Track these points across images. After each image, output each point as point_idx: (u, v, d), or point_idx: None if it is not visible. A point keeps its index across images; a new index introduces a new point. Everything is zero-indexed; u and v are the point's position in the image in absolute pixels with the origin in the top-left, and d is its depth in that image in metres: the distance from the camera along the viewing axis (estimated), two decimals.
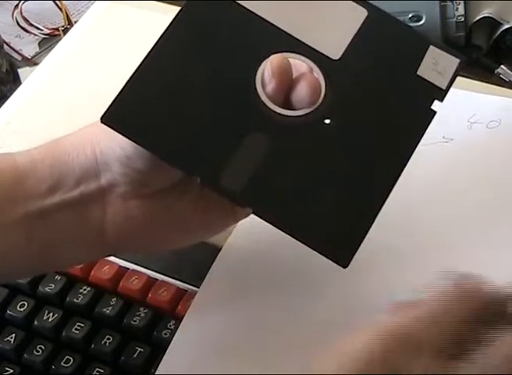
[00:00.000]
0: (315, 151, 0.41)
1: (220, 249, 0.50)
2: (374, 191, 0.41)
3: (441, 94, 0.42)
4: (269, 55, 0.42)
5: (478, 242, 0.50)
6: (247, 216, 0.44)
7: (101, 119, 0.39)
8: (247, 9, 0.42)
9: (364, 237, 0.40)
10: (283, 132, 0.41)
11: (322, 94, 0.42)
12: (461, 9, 0.65)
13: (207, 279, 0.49)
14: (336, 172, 0.41)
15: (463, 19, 0.66)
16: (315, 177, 0.41)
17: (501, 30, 0.66)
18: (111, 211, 0.42)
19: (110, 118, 0.39)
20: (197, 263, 0.50)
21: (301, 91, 0.41)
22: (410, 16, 0.66)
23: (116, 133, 0.40)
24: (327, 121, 0.41)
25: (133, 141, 0.40)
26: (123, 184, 0.42)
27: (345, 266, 0.39)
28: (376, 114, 0.42)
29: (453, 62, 0.43)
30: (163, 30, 0.41)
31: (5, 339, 0.48)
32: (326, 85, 0.42)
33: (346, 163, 0.41)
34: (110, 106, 0.39)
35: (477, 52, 0.67)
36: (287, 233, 0.39)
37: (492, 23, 0.66)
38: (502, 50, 0.68)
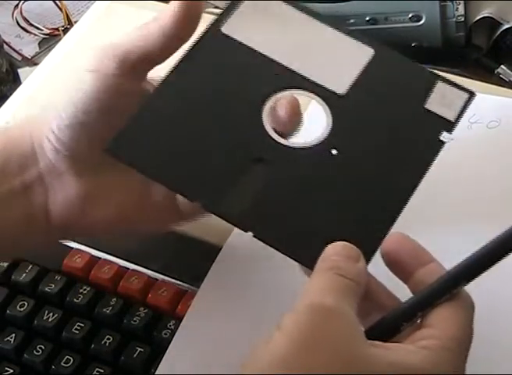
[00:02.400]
0: (320, 180, 0.41)
1: (220, 249, 0.50)
2: (379, 221, 0.40)
3: (449, 126, 0.42)
4: (275, 92, 0.42)
5: (477, 242, 0.50)
6: (191, 220, 0.45)
7: (105, 149, 0.40)
8: (253, 49, 0.43)
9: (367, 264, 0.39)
10: (288, 162, 0.41)
11: (329, 127, 0.42)
12: (461, 9, 0.65)
13: (207, 279, 0.49)
14: (341, 202, 0.41)
15: (463, 19, 0.66)
16: (319, 206, 0.41)
17: (501, 30, 0.66)
18: (51, 192, 0.43)
19: (113, 148, 0.40)
20: (197, 263, 0.50)
21: (280, 109, 0.42)
22: (410, 16, 0.66)
23: (48, 116, 0.42)
24: (334, 152, 0.41)
25: (137, 170, 0.41)
26: (56, 162, 0.43)
27: None
28: (383, 146, 0.42)
29: (462, 96, 0.43)
30: (174, 64, 0.42)
31: (5, 339, 0.48)
32: (333, 119, 0.42)
33: (351, 194, 0.41)
34: (113, 137, 0.40)
35: (477, 52, 0.67)
36: (289, 256, 0.39)
37: (492, 23, 0.66)
38: (502, 50, 0.68)
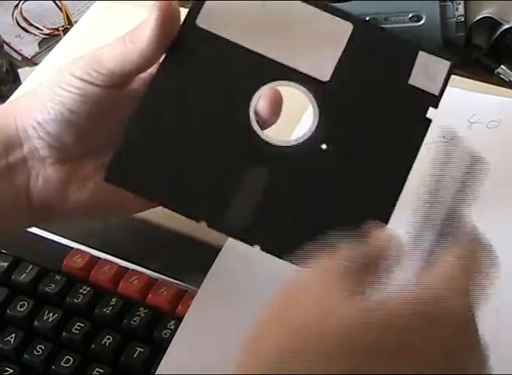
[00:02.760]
0: (315, 178, 0.41)
1: (220, 249, 0.50)
2: (378, 210, 0.40)
3: (435, 101, 0.42)
4: (259, 87, 0.42)
5: None
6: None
7: (104, 178, 0.41)
8: (231, 41, 0.42)
9: None
10: (281, 163, 0.41)
11: (316, 120, 0.42)
12: (461, 9, 0.65)
13: (207, 279, 0.49)
14: (339, 197, 0.41)
15: (463, 19, 0.66)
16: (318, 205, 0.41)
17: (501, 30, 0.66)
18: (33, 175, 0.44)
19: (111, 176, 0.41)
20: (197, 263, 0.50)
21: (261, 102, 0.42)
22: (410, 16, 0.66)
23: (31, 101, 0.43)
24: (324, 146, 0.41)
25: (138, 195, 0.41)
26: (41, 149, 0.44)
27: None
28: (372, 131, 0.42)
29: (444, 65, 0.43)
30: (156, 70, 0.42)
31: (5, 339, 0.48)
32: (319, 110, 0.42)
33: (348, 186, 0.41)
34: (108, 165, 0.41)
35: (477, 52, 0.67)
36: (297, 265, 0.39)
37: (492, 23, 0.66)
38: (502, 50, 0.68)
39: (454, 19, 0.66)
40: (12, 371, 0.48)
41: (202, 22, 0.42)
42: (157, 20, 0.41)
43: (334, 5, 0.44)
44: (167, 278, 0.50)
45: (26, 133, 0.44)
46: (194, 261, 0.50)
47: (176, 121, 0.42)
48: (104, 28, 0.64)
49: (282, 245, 0.40)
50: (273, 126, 0.44)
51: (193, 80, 0.42)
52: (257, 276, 0.49)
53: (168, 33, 0.41)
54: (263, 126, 0.43)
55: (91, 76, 0.42)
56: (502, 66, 0.66)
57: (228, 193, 0.40)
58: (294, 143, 0.41)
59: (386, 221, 0.40)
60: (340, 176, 0.41)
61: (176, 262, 0.51)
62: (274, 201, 0.41)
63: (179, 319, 0.47)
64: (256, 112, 0.42)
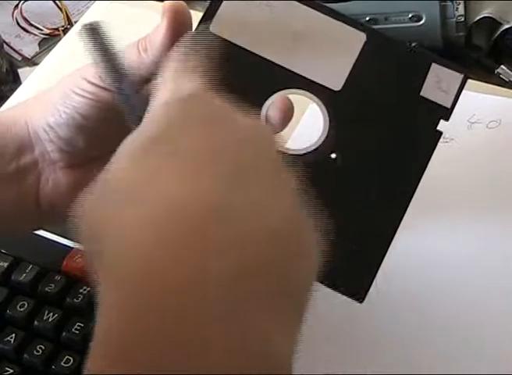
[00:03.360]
0: (324, 188, 0.41)
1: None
2: (386, 222, 0.40)
3: (446, 113, 0.42)
4: (271, 94, 0.42)
5: (477, 241, 0.50)
6: None
7: None
8: (244, 48, 0.42)
9: (377, 271, 0.39)
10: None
11: (327, 129, 0.41)
12: (461, 9, 0.65)
13: None
14: (347, 206, 0.41)
15: (463, 19, 0.66)
16: (326, 213, 0.40)
17: (501, 30, 0.66)
18: (43, 178, 0.44)
19: None
20: None
21: (272, 110, 0.42)
22: (410, 16, 0.66)
23: (43, 104, 0.43)
24: (333, 156, 0.41)
25: None
26: (52, 152, 0.44)
27: (361, 301, 0.39)
28: (382, 142, 0.42)
29: (457, 78, 0.43)
30: None
31: (5, 339, 0.48)
32: (330, 119, 0.42)
33: (355, 197, 0.41)
34: None
35: (477, 52, 0.67)
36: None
37: (492, 23, 0.66)
38: (502, 50, 0.68)
39: (454, 19, 0.66)
40: (12, 371, 0.48)
41: (215, 28, 0.42)
42: (168, 27, 0.40)
43: (335, 5, 0.43)
44: None
45: (38, 136, 0.44)
46: None
47: None
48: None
49: None
50: None
51: None
52: None
53: (180, 38, 0.41)
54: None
55: (104, 82, 0.41)
56: (502, 66, 0.66)
57: None
58: (304, 151, 0.41)
59: (393, 234, 0.40)
60: (349, 186, 0.41)
61: None
62: None
63: None
64: (266, 119, 0.42)
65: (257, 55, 0.42)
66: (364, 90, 0.42)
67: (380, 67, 0.42)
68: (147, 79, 0.42)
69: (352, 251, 0.40)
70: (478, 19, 0.66)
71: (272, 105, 0.42)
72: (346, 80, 0.42)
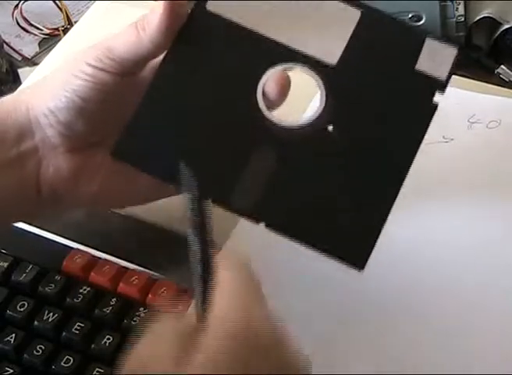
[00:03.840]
0: (321, 158, 0.42)
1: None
2: (383, 192, 0.41)
3: (441, 86, 0.42)
4: (267, 69, 0.42)
5: (477, 241, 0.50)
6: (172, 194, 0.46)
7: (111, 154, 0.42)
8: (240, 25, 0.43)
9: (377, 239, 0.40)
10: (288, 144, 0.41)
11: (323, 103, 0.42)
12: (461, 9, 0.65)
13: None
14: (344, 176, 0.41)
15: (463, 19, 0.66)
16: (323, 184, 0.41)
17: (501, 30, 0.66)
18: (44, 164, 0.45)
19: (118, 153, 0.42)
20: None
21: (269, 84, 0.42)
22: (410, 16, 0.66)
23: (43, 89, 0.44)
24: (330, 128, 0.42)
25: (145, 173, 0.42)
26: (52, 137, 0.44)
27: (361, 269, 0.40)
28: (378, 115, 0.42)
29: (451, 52, 0.43)
30: (166, 52, 0.42)
31: (5, 339, 0.48)
32: (326, 92, 0.42)
33: (353, 167, 0.41)
34: (117, 141, 0.42)
35: (477, 52, 0.67)
36: (300, 244, 0.40)
37: (492, 23, 0.66)
38: (502, 50, 0.68)
39: (454, 19, 0.66)
40: (12, 371, 0.48)
41: (212, 5, 0.43)
42: (165, 5, 0.41)
43: None
44: (167, 278, 0.50)
45: (38, 121, 0.44)
46: None
47: (185, 101, 0.42)
48: (104, 28, 0.64)
49: (287, 222, 0.40)
50: (282, 110, 0.44)
51: (203, 61, 0.43)
52: (258, 272, 0.49)
53: (177, 18, 0.42)
54: (271, 108, 0.43)
55: (104, 64, 0.43)
56: (502, 66, 0.66)
57: (234, 172, 0.41)
58: (300, 124, 0.42)
59: (391, 204, 0.40)
60: (346, 157, 0.42)
61: (176, 263, 0.50)
62: (280, 180, 0.41)
63: None
64: (264, 94, 0.42)
65: (253, 31, 0.43)
66: (359, 64, 0.43)
67: (375, 42, 0.43)
68: (146, 59, 0.43)
69: (351, 221, 0.41)
70: (478, 19, 0.66)
71: (269, 80, 0.43)
72: (342, 55, 0.42)
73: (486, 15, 0.65)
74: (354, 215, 0.41)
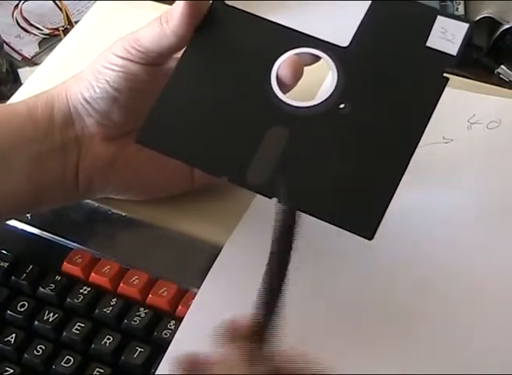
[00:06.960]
0: (334, 136, 0.43)
1: (220, 249, 0.50)
2: (393, 165, 0.42)
3: (453, 61, 0.43)
4: (281, 54, 0.44)
5: (478, 242, 0.50)
6: (204, 184, 0.51)
7: (135, 140, 0.44)
8: (255, 15, 0.45)
9: (386, 209, 0.41)
10: (301, 123, 0.43)
11: (335, 83, 0.43)
12: (461, 9, 0.65)
13: (207, 279, 0.49)
14: (356, 152, 0.42)
15: None
16: (336, 160, 0.42)
17: (501, 30, 0.66)
18: (83, 152, 0.48)
19: (142, 138, 0.44)
20: (197, 263, 0.50)
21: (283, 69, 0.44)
22: None
23: (79, 81, 0.47)
24: (342, 106, 0.43)
25: (166, 155, 0.44)
26: (90, 126, 0.48)
27: (370, 238, 0.40)
28: (390, 91, 0.43)
29: (462, 27, 0.44)
30: (183, 50, 0.45)
31: (5, 339, 0.48)
32: (338, 72, 0.43)
33: (365, 142, 0.42)
34: (141, 128, 0.44)
35: (477, 52, 0.68)
36: (313, 216, 0.41)
37: (492, 23, 0.66)
38: (502, 50, 0.68)
39: None
40: (12, 371, 0.48)
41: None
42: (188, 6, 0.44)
43: None
44: (167, 278, 0.50)
45: (77, 110, 0.47)
46: (194, 261, 0.50)
47: (206, 86, 0.45)
48: (104, 28, 0.65)
49: (300, 198, 0.41)
50: (295, 93, 0.45)
51: (221, 50, 0.45)
52: (257, 276, 0.49)
53: (198, 11, 0.44)
54: (284, 91, 0.44)
55: (131, 54, 0.46)
56: (502, 66, 0.66)
57: (250, 152, 0.42)
58: (313, 103, 0.43)
59: (402, 173, 0.41)
60: (358, 133, 0.43)
61: (175, 262, 0.51)
62: (293, 157, 0.42)
63: (179, 320, 0.47)
64: (278, 78, 0.44)
65: (267, 19, 0.45)
66: (370, 43, 0.44)
67: (386, 21, 0.44)
68: (170, 50, 0.46)
69: (362, 193, 0.42)
70: (478, 19, 0.66)
71: (283, 64, 0.44)
72: (354, 36, 0.44)
73: (486, 15, 0.65)
74: (365, 188, 0.42)
